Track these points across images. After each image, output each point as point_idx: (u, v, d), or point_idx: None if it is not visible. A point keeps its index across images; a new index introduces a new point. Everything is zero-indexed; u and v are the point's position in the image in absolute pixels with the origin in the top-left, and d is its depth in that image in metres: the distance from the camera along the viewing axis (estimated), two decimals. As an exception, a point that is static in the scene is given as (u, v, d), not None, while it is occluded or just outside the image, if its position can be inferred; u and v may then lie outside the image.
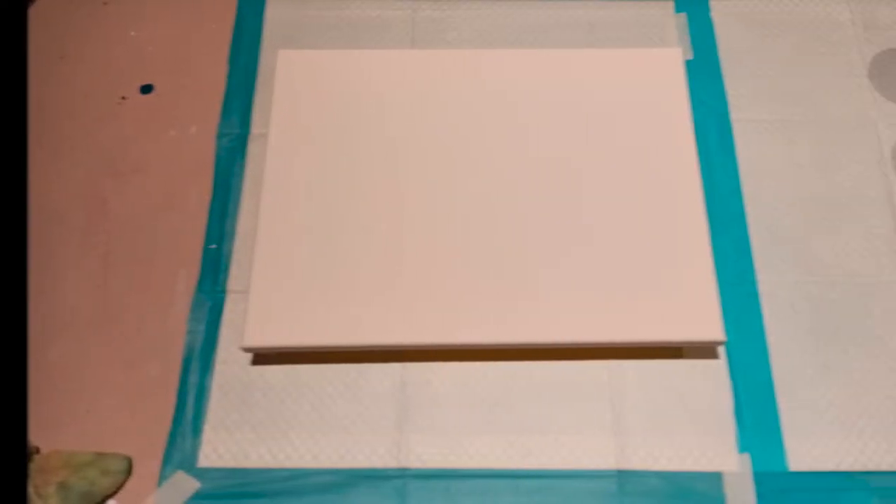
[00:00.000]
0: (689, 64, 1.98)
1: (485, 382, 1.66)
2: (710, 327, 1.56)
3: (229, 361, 1.68)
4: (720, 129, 1.92)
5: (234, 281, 1.76)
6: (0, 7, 1.44)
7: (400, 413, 1.63)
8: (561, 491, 1.56)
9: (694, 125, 1.75)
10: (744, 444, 1.60)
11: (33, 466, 1.53)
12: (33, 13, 2.07)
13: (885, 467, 1.58)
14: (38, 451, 1.58)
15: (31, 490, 1.51)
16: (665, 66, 1.81)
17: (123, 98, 1.96)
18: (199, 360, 1.68)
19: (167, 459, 1.59)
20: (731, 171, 1.86)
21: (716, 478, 1.57)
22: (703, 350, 1.69)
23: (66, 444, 1.60)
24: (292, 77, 1.80)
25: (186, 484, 1.57)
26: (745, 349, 1.69)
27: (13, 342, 1.29)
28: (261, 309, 1.58)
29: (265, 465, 1.59)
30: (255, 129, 1.92)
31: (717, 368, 1.67)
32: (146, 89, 1.98)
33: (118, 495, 1.56)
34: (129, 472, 1.57)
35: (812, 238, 1.79)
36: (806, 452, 1.60)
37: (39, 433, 1.61)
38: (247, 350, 1.59)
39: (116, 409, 1.64)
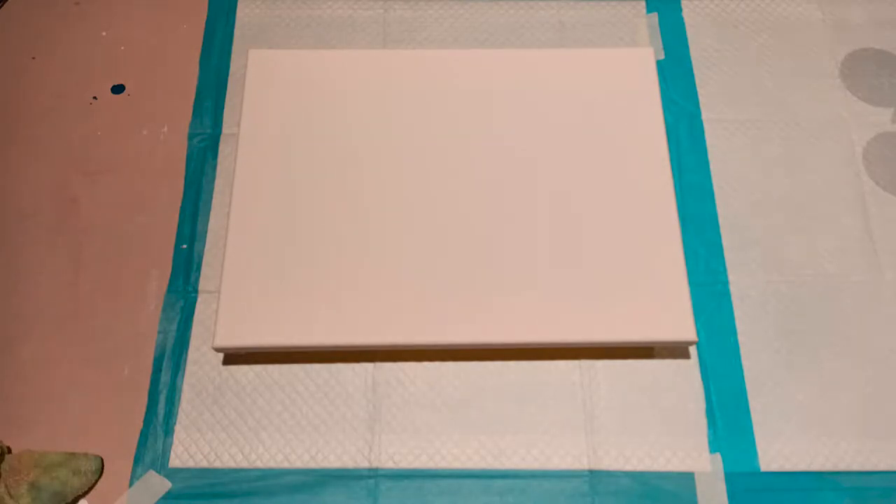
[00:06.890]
0: (660, 64, 1.98)
1: (456, 382, 1.66)
2: (682, 327, 1.56)
3: (201, 361, 1.68)
4: (692, 129, 1.92)
5: (205, 281, 1.76)
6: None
7: (371, 413, 1.63)
8: (533, 491, 1.57)
9: (665, 125, 1.75)
10: (715, 445, 1.60)
11: (4, 466, 1.53)
12: (4, 14, 2.06)
13: (856, 467, 1.59)
14: (9, 450, 1.57)
15: (1, 490, 1.50)
16: (637, 66, 1.80)
17: (95, 98, 1.96)
18: (171, 359, 1.68)
19: (138, 459, 1.59)
20: (702, 172, 1.87)
21: (687, 478, 1.58)
22: (675, 350, 1.69)
23: (37, 444, 1.59)
24: (263, 76, 1.79)
25: (158, 484, 1.57)
26: (716, 349, 1.69)
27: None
28: (232, 309, 1.57)
29: (236, 466, 1.59)
30: (227, 128, 1.92)
31: (689, 368, 1.67)
32: (117, 89, 1.97)
33: (89, 495, 1.56)
34: (100, 472, 1.57)
35: (783, 238, 1.80)
36: (777, 452, 1.60)
37: (10, 433, 1.61)
38: (218, 350, 1.58)
39: (87, 409, 1.64)
